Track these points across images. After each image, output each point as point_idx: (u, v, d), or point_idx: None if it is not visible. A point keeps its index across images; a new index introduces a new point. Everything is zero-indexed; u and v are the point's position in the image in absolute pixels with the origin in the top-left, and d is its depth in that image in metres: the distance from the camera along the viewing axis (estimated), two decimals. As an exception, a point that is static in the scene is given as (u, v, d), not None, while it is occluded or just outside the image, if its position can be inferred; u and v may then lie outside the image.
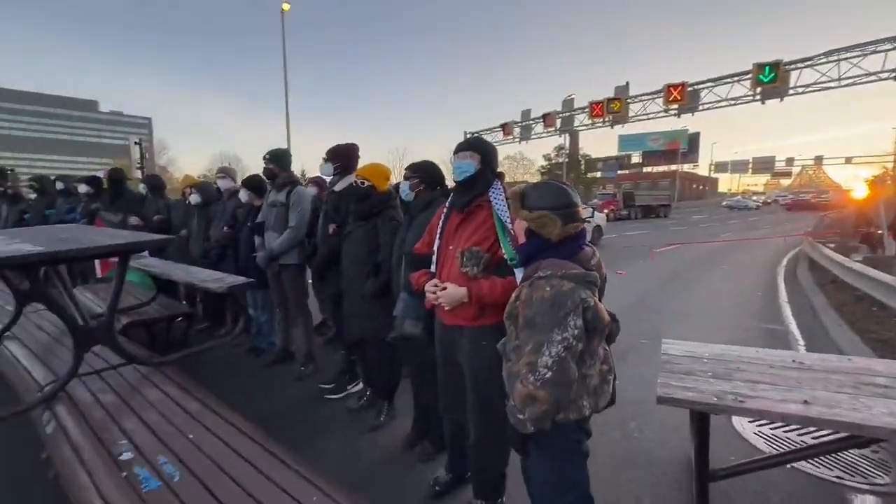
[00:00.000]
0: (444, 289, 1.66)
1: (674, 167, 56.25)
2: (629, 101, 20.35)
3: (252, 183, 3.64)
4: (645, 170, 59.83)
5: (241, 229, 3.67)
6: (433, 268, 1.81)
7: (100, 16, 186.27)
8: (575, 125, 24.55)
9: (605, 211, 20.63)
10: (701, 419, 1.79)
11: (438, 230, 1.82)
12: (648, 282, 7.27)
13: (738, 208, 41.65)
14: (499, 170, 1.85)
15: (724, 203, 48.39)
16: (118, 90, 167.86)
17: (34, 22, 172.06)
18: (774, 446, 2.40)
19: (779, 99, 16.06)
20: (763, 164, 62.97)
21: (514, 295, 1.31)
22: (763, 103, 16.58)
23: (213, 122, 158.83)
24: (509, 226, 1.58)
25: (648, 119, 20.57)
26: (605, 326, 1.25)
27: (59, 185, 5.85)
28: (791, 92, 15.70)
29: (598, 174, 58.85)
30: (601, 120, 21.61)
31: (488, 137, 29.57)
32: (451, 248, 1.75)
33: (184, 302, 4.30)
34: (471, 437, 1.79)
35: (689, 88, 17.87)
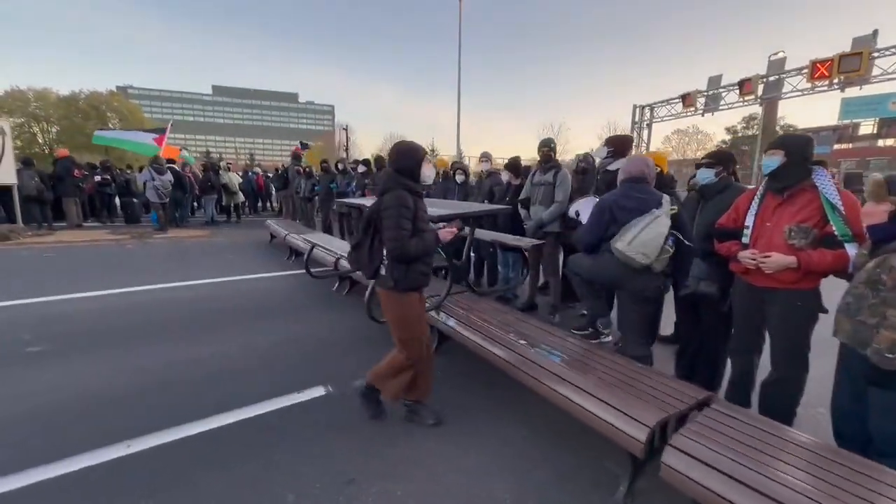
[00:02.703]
0: (768, 256, 2.11)
1: (932, 138, 41.55)
2: (876, 55, 15.98)
3: (514, 165, 4.53)
4: (882, 142, 45.63)
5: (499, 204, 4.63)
6: (745, 240, 2.27)
7: (294, 18, 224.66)
8: (784, 90, 20.38)
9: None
10: None
11: (754, 209, 2.26)
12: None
13: None
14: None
15: None
16: (309, 83, 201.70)
17: (245, 30, 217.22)
18: None
19: None
20: None
21: (872, 265, 1.71)
22: None
23: (383, 107, 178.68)
24: (839, 206, 1.96)
25: (904, 78, 15.83)
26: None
27: (340, 166, 7.92)
28: None
29: None
30: (826, 83, 17.49)
31: (661, 111, 26.95)
32: (768, 224, 2.18)
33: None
34: (770, 376, 2.24)
35: None
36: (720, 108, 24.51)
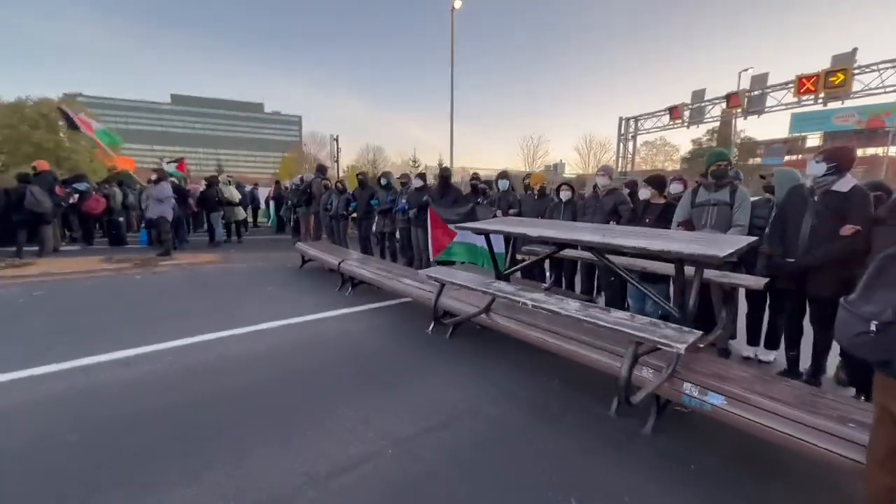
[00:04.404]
0: None
1: (872, 151, 45.13)
2: (857, 71, 16.80)
3: (657, 181, 3.87)
4: (827, 155, 48.93)
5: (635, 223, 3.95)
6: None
7: (260, 27, 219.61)
8: (768, 105, 21.21)
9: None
10: None
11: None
12: None
13: None
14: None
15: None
16: (274, 92, 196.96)
17: (207, 38, 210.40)
18: None
19: None
20: None
21: None
22: None
23: (351, 118, 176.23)
24: None
25: (886, 93, 16.74)
26: None
27: (383, 181, 7.01)
28: None
29: (759, 160, 50.22)
30: (812, 97, 18.28)
31: (647, 123, 27.61)
32: None
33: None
34: None
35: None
36: (705, 120, 25.41)
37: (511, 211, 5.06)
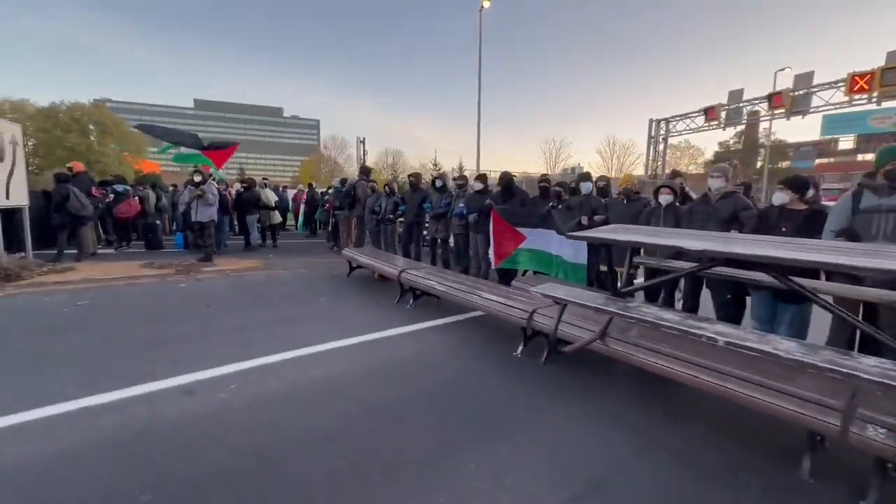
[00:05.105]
0: None
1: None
2: (919, 68, 15.71)
3: (798, 183, 3.27)
4: (861, 157, 46.97)
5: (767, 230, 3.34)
6: None
7: (280, 33, 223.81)
8: (814, 104, 20.12)
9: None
10: None
11: None
12: None
13: None
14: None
15: None
16: (294, 97, 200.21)
17: (230, 44, 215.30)
18: None
19: None
20: None
21: None
22: None
23: (370, 121, 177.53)
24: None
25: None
26: None
27: (438, 183, 6.53)
28: None
29: (788, 164, 48.35)
30: (865, 96, 17.21)
31: (679, 125, 26.66)
32: None
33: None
34: None
35: None
36: (743, 121, 24.35)
37: (597, 217, 4.50)
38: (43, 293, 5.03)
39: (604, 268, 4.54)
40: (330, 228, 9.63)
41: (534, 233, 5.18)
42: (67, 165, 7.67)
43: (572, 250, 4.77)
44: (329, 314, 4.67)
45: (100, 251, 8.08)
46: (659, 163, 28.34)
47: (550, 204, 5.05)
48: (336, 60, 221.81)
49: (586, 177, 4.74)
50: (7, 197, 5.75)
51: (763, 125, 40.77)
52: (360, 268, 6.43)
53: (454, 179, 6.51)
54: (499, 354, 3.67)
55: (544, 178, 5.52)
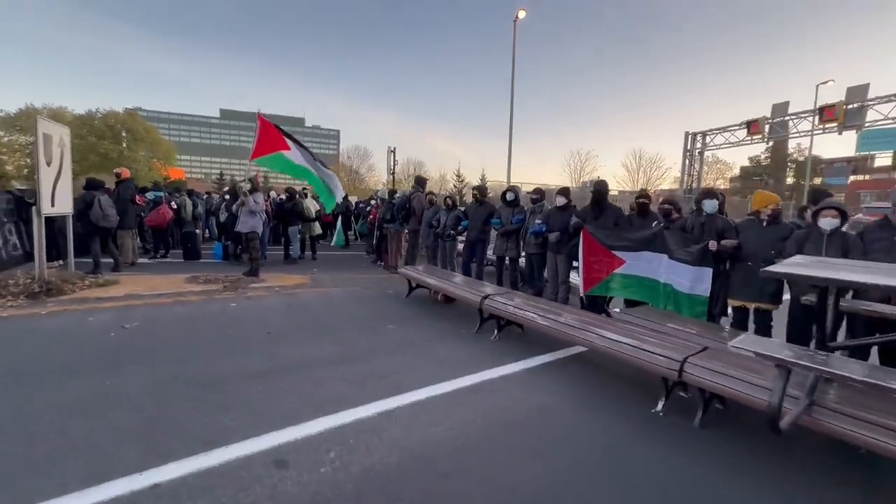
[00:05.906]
0: None
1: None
2: None
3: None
4: (903, 174, 44.65)
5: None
6: None
7: (302, 46, 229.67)
8: (869, 118, 19.00)
9: None
10: None
11: None
12: None
13: None
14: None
15: None
16: (315, 107, 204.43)
17: (252, 55, 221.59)
18: None
19: None
20: None
21: None
22: None
23: (388, 132, 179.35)
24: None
25: None
26: None
27: (510, 196, 5.91)
28: None
29: (819, 180, 46.29)
30: (933, 110, 16.06)
31: (718, 139, 25.70)
32: None
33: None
34: None
35: None
36: (790, 135, 23.25)
37: (726, 242, 3.80)
38: (86, 311, 4.54)
39: (737, 303, 3.81)
40: (374, 241, 9.07)
41: (636, 256, 4.50)
42: (115, 171, 7.32)
43: (690, 279, 4.07)
44: (405, 347, 4.05)
45: (139, 260, 7.68)
46: (693, 176, 27.30)
47: (661, 224, 4.37)
48: (353, 72, 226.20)
49: (710, 193, 4.04)
50: (53, 204, 5.35)
51: (795, 141, 39.06)
52: (420, 287, 5.83)
53: (529, 193, 5.89)
54: (633, 409, 2.99)
55: (643, 194, 4.85)
